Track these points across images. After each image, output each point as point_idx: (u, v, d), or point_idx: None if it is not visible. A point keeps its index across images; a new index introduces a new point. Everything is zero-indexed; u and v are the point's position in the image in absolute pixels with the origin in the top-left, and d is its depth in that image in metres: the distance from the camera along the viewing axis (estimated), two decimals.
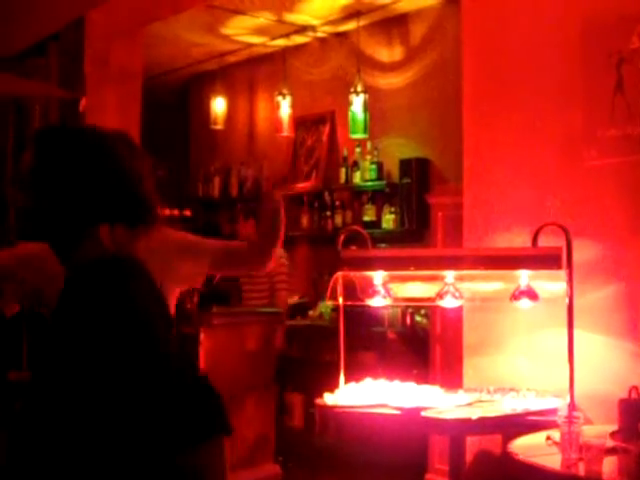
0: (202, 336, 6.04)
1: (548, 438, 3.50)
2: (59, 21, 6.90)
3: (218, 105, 9.67)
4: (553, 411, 3.92)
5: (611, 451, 3.33)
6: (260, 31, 8.76)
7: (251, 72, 9.94)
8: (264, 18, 8.29)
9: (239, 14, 8.18)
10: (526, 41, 4.79)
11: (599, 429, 3.70)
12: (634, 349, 4.21)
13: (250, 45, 9.24)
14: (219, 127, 9.72)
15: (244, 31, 8.77)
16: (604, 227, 4.38)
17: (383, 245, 7.87)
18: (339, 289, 4.54)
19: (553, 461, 3.36)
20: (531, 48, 4.75)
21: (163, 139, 10.01)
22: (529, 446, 3.61)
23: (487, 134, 4.96)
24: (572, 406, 3.85)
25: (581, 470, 3.25)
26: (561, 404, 3.99)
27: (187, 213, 8.49)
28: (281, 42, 9.02)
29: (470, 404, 4.15)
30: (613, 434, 3.60)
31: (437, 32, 7.80)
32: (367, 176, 8.27)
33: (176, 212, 7.98)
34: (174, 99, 10.77)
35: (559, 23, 4.63)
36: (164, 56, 9.21)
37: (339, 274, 4.50)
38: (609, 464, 3.24)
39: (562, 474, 3.34)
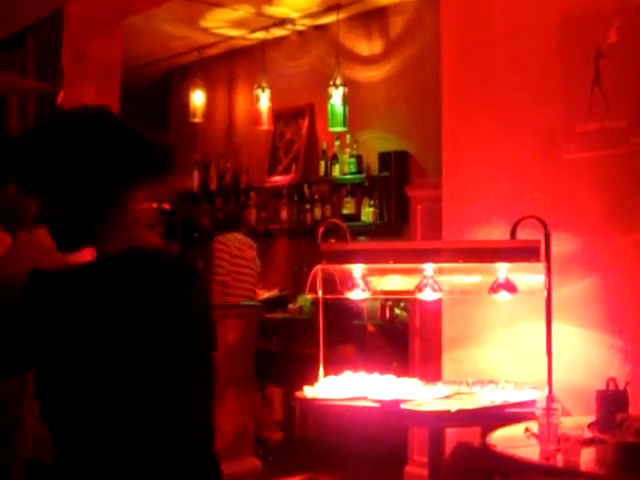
0: None
1: (526, 430, 3.52)
2: (36, 13, 6.86)
3: (197, 98, 9.64)
4: (531, 403, 3.94)
5: (589, 442, 3.35)
6: (239, 24, 8.74)
7: (230, 65, 9.92)
8: (243, 11, 8.27)
9: (218, 7, 8.17)
10: (505, 35, 4.80)
11: (577, 420, 3.73)
12: (611, 341, 4.24)
13: (229, 38, 9.22)
14: (198, 120, 9.70)
15: (223, 24, 8.76)
16: (582, 220, 4.41)
17: (362, 238, 7.88)
18: (318, 282, 4.54)
19: (532, 452, 3.38)
20: (510, 42, 4.76)
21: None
22: (508, 438, 3.63)
23: (466, 127, 4.97)
24: (550, 398, 3.87)
25: (559, 461, 3.27)
26: (539, 396, 4.01)
27: (166, 206, 8.46)
28: (260, 35, 9.01)
29: (449, 396, 4.16)
30: (591, 425, 3.62)
31: (416, 26, 7.81)
32: (346, 169, 8.28)
33: (155, 205, 7.95)
34: (153, 92, 10.73)
35: (537, 17, 4.65)
36: (143, 49, 9.17)
37: (318, 267, 4.50)
38: (587, 455, 3.26)
39: (540, 465, 3.36)
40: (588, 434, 3.43)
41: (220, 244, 7.64)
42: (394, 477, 6.07)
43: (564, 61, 4.50)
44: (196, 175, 10.16)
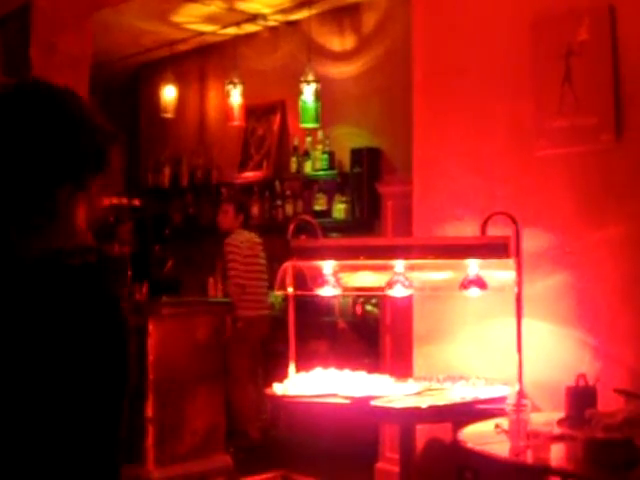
0: (151, 327, 5.99)
1: (497, 426, 3.52)
2: (5, 5, 6.79)
3: (168, 93, 9.59)
4: (502, 399, 3.94)
5: (558, 438, 3.37)
6: (211, 19, 8.70)
7: (202, 61, 9.87)
8: (215, 6, 8.23)
9: (190, 2, 8.13)
10: (476, 32, 4.80)
11: (547, 416, 3.74)
12: (581, 337, 4.26)
13: (201, 33, 9.17)
14: (169, 116, 9.65)
15: (195, 19, 8.71)
16: (552, 217, 4.42)
17: (334, 234, 7.87)
18: (288, 279, 4.53)
19: (502, 449, 3.39)
20: (481, 39, 4.77)
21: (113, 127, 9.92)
22: (478, 434, 3.64)
23: (437, 124, 4.97)
24: (520, 394, 3.87)
25: (529, 457, 3.28)
26: (510, 392, 4.02)
27: (136, 203, 8.41)
28: (232, 31, 8.97)
29: (420, 393, 4.16)
30: (560, 421, 3.64)
31: (388, 22, 7.80)
32: (318, 165, 8.27)
33: (125, 201, 7.91)
34: (124, 87, 10.66)
35: (509, 15, 4.65)
36: (114, 43, 9.10)
37: (288, 264, 4.49)
38: (556, 451, 3.28)
39: (510, 461, 3.37)
40: (558, 430, 3.45)
41: (231, 246, 7.57)
42: (365, 474, 6.06)
43: (535, 58, 4.50)
44: (167, 171, 10.11)
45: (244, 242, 7.60)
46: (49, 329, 1.65)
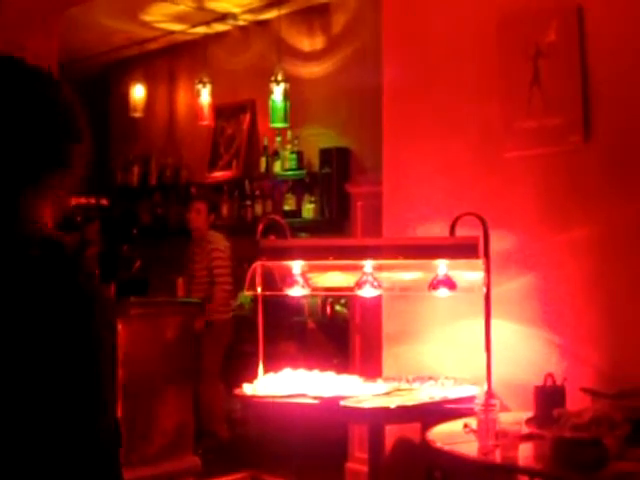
0: (119, 327, 5.95)
1: (466, 426, 3.54)
2: None
3: (137, 92, 9.56)
4: (471, 399, 3.96)
5: (527, 437, 3.38)
6: (180, 18, 8.66)
7: (171, 60, 9.84)
8: (184, 5, 8.20)
9: (159, 1, 8.09)
10: (445, 33, 4.82)
11: (515, 416, 3.76)
12: (549, 337, 4.28)
13: (170, 32, 9.14)
14: (138, 115, 9.61)
15: (164, 18, 8.67)
16: (520, 218, 4.44)
17: (303, 235, 7.87)
18: (257, 279, 4.52)
19: (470, 448, 3.40)
20: (450, 39, 4.78)
21: None
22: (447, 434, 3.65)
23: (406, 124, 4.98)
24: (489, 394, 3.89)
25: (497, 457, 3.29)
26: (478, 392, 4.04)
27: (104, 202, 8.34)
28: (202, 30, 8.95)
29: (388, 393, 4.17)
30: (529, 421, 3.66)
31: (358, 22, 7.80)
32: (287, 165, 8.26)
33: (92, 200, 7.85)
34: (93, 86, 10.58)
35: (477, 16, 4.67)
36: (83, 42, 9.03)
37: (257, 264, 4.49)
38: (525, 450, 3.29)
39: (479, 461, 3.38)
40: (526, 429, 3.47)
41: (219, 252, 7.54)
42: (335, 474, 6.06)
43: (503, 59, 4.52)
44: (136, 170, 10.06)
45: (227, 247, 7.61)
46: (17, 320, 1.59)
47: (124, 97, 9.84)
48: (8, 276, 1.62)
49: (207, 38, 9.02)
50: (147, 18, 8.66)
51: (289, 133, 8.22)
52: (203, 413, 7.22)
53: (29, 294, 1.62)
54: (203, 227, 7.62)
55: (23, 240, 1.66)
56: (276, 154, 8.36)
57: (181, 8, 8.29)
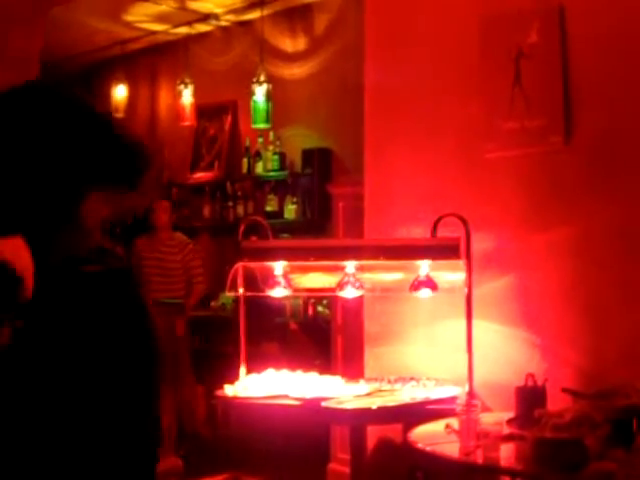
0: None
1: (447, 426, 3.54)
2: None
3: (119, 92, 9.52)
4: (452, 399, 3.97)
5: (508, 438, 3.39)
6: (162, 18, 8.64)
7: (153, 60, 9.81)
8: (166, 5, 8.18)
9: (141, 1, 8.07)
10: (427, 34, 4.82)
11: (497, 416, 3.76)
12: (531, 338, 4.29)
13: (152, 32, 9.11)
14: (120, 115, 9.56)
15: (146, 18, 8.65)
16: (502, 218, 4.45)
17: (285, 235, 7.85)
18: (239, 280, 4.51)
19: (452, 449, 3.41)
20: (432, 40, 4.79)
21: None
22: (429, 434, 3.65)
23: (388, 125, 4.98)
24: (470, 394, 3.90)
25: (479, 457, 3.29)
26: (460, 392, 4.04)
27: None
28: (184, 30, 8.92)
29: (370, 394, 4.17)
30: (510, 421, 3.67)
31: (340, 23, 7.80)
32: (269, 166, 8.25)
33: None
34: (76, 85, 10.55)
35: (460, 17, 4.68)
36: (66, 41, 8.99)
37: (239, 265, 4.48)
38: (506, 450, 3.30)
39: (460, 461, 3.39)
40: (507, 430, 3.47)
41: (196, 250, 7.62)
42: (317, 475, 6.06)
43: (485, 60, 4.53)
44: None
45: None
46: (77, 338, 1.60)
47: (106, 97, 9.79)
48: (70, 293, 1.62)
49: (189, 38, 9.00)
50: (129, 18, 8.63)
51: (271, 134, 8.21)
52: (185, 415, 7.20)
53: (90, 311, 1.62)
54: (167, 225, 7.62)
55: (78, 256, 1.66)
56: (258, 155, 8.35)
57: (163, 8, 8.27)
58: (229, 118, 8.89)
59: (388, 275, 4.48)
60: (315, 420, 4.56)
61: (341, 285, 4.28)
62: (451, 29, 4.71)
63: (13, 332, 1.54)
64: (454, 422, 3.53)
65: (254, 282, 4.56)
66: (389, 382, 4.37)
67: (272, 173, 8.24)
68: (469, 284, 4.03)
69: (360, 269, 4.30)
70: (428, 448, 3.46)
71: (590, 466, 2.99)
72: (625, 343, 3.97)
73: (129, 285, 1.72)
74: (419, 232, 4.56)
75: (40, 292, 1.58)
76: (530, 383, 3.82)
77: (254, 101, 7.94)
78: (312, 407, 4.02)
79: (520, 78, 4.38)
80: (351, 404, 3.98)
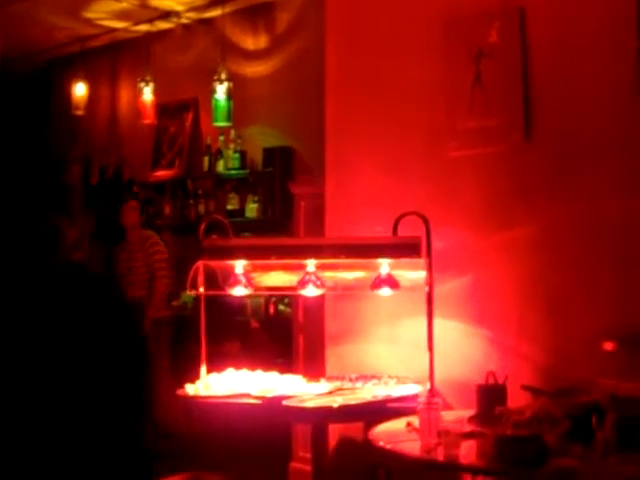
0: None
1: (408, 424, 3.55)
2: None
3: (79, 90, 9.43)
4: (413, 397, 3.98)
5: (469, 435, 3.40)
6: (123, 16, 8.58)
7: (114, 57, 9.73)
8: (127, 2, 8.12)
9: None
10: (389, 33, 4.83)
11: (458, 414, 3.78)
12: (491, 336, 4.31)
13: (113, 30, 9.04)
14: (80, 113, 9.48)
15: (106, 15, 8.58)
16: (463, 217, 4.47)
17: (246, 234, 7.82)
18: (200, 279, 4.49)
19: (413, 446, 3.41)
20: (394, 40, 4.79)
21: (22, 123, 9.72)
22: (390, 432, 3.65)
23: (350, 124, 4.98)
24: (432, 392, 3.91)
25: (440, 454, 3.30)
26: (421, 390, 4.05)
27: None
28: (145, 27, 8.86)
29: (331, 392, 4.17)
30: (471, 419, 3.68)
31: (302, 21, 7.79)
32: (230, 165, 8.22)
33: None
34: (35, 83, 10.45)
35: (422, 17, 4.69)
36: (25, 38, 8.91)
37: (200, 263, 4.46)
38: (467, 448, 3.31)
39: (421, 459, 3.39)
40: (468, 427, 3.48)
41: (160, 245, 7.62)
42: (279, 473, 6.05)
43: (447, 60, 4.55)
44: (77, 169, 9.93)
45: (162, 243, 7.61)
46: (82, 327, 1.80)
47: (66, 95, 9.70)
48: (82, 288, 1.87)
49: (150, 36, 8.94)
50: (90, 15, 8.56)
51: (232, 132, 8.18)
52: (159, 415, 7.16)
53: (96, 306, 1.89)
54: (137, 225, 7.59)
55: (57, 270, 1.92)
56: (219, 153, 8.32)
57: (124, 5, 8.21)
58: (190, 116, 8.85)
59: (349, 274, 4.48)
60: (276, 419, 4.55)
61: (302, 284, 4.27)
62: (412, 29, 4.72)
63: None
64: (415, 420, 3.53)
65: (215, 281, 4.54)
66: (350, 380, 4.37)
67: (233, 171, 8.22)
68: (430, 282, 4.04)
69: (321, 268, 4.29)
70: (389, 446, 3.46)
71: (550, 462, 3.01)
72: (585, 340, 4.00)
73: (118, 287, 1.93)
74: (380, 231, 4.56)
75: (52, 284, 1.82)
76: (491, 381, 3.84)
77: (215, 99, 7.91)
78: (273, 406, 4.02)
79: (481, 78, 4.40)
80: (312, 403, 3.98)
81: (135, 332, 1.87)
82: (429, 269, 4.04)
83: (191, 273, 4.46)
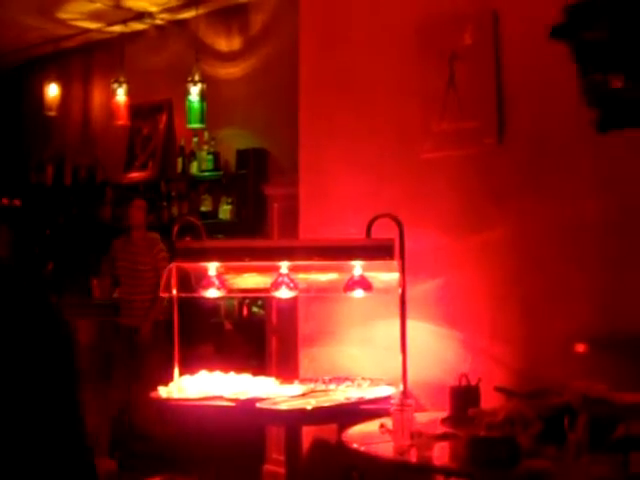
0: None
1: (381, 426, 3.54)
2: None
3: (52, 91, 9.38)
4: (386, 399, 3.98)
5: (442, 437, 3.40)
6: (96, 16, 8.55)
7: (87, 58, 9.69)
8: (101, 3, 8.09)
9: None
10: (363, 35, 4.83)
11: (431, 416, 3.79)
12: (464, 338, 4.32)
13: (86, 30, 9.00)
14: (53, 114, 9.43)
15: (80, 16, 8.54)
16: (436, 218, 4.48)
17: (220, 236, 7.80)
18: (172, 281, 4.47)
19: (386, 448, 3.41)
20: (368, 42, 4.80)
21: None
22: (363, 434, 3.65)
23: (324, 126, 4.98)
24: (405, 394, 3.91)
25: (413, 456, 3.30)
26: (394, 392, 4.05)
27: (17, 202, 8.18)
28: (118, 28, 8.83)
29: (305, 394, 4.16)
30: (444, 420, 3.69)
31: (276, 23, 7.79)
32: (204, 166, 8.20)
33: (5, 201, 7.68)
34: (7, 83, 10.39)
35: (396, 19, 4.70)
36: None
37: (172, 265, 4.44)
38: (440, 450, 3.31)
39: (395, 461, 3.39)
40: (441, 429, 3.49)
41: (165, 252, 7.39)
42: (252, 476, 6.04)
43: (421, 62, 4.56)
44: (50, 170, 9.88)
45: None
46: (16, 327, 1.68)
47: (38, 95, 9.65)
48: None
49: (123, 37, 8.91)
50: (63, 16, 8.52)
51: (206, 134, 8.17)
52: (137, 418, 7.13)
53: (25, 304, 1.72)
54: (143, 225, 7.53)
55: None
56: (193, 155, 8.30)
57: (97, 6, 8.18)
58: (164, 118, 8.82)
59: (322, 275, 4.48)
60: (250, 421, 4.54)
61: (275, 285, 4.27)
62: (387, 31, 4.73)
63: None
64: (388, 422, 3.53)
65: (188, 283, 4.53)
66: (324, 382, 4.37)
67: (207, 173, 8.20)
68: (403, 284, 4.04)
69: (294, 269, 4.29)
70: (363, 448, 3.46)
71: (522, 463, 3.01)
72: (558, 342, 4.02)
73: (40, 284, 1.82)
74: (353, 232, 4.56)
75: None
76: (464, 382, 3.85)
77: (189, 101, 7.89)
78: (247, 408, 4.01)
79: (454, 80, 4.41)
80: (286, 405, 3.97)
81: (53, 324, 1.82)
82: (402, 271, 4.04)
83: (164, 275, 4.45)
